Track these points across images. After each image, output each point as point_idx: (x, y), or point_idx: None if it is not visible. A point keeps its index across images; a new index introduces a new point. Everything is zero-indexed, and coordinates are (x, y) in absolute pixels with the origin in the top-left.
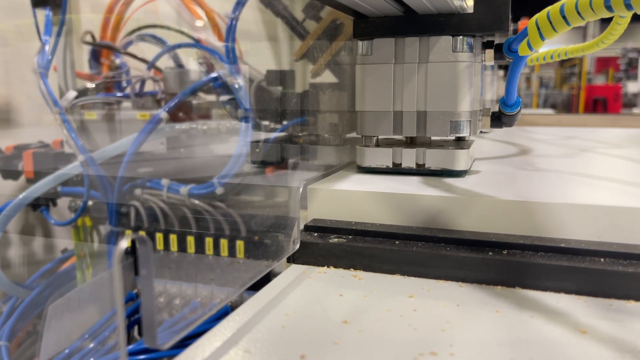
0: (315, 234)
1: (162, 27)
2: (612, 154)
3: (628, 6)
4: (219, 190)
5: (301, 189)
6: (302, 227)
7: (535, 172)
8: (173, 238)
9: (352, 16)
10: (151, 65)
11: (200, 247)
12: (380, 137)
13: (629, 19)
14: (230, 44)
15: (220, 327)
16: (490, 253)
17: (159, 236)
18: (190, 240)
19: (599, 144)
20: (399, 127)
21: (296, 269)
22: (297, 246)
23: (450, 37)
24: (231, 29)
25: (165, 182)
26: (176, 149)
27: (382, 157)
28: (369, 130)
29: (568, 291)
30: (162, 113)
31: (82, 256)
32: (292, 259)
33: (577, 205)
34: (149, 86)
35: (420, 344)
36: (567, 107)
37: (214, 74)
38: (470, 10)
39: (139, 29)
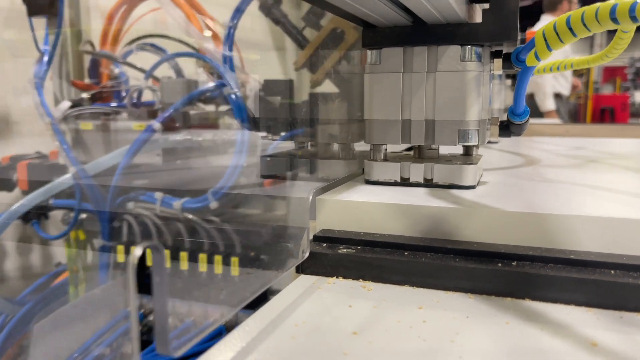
0: (324, 245)
1: (161, 36)
2: (620, 164)
3: (633, 18)
4: (213, 205)
5: (310, 199)
6: (311, 237)
7: (543, 183)
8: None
9: (360, 26)
10: (149, 74)
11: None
12: (388, 150)
13: (632, 34)
14: (229, 53)
15: (230, 337)
16: (500, 264)
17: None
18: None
19: (607, 155)
20: (407, 136)
21: (305, 279)
22: (307, 255)
23: (459, 47)
24: (229, 38)
25: (158, 195)
26: (172, 161)
27: (390, 172)
28: (377, 139)
29: (578, 303)
30: (156, 124)
31: (75, 270)
32: (301, 270)
33: (586, 217)
34: (148, 96)
35: (429, 355)
36: (574, 116)
37: (211, 84)
38: (479, 20)
39: (139, 38)
